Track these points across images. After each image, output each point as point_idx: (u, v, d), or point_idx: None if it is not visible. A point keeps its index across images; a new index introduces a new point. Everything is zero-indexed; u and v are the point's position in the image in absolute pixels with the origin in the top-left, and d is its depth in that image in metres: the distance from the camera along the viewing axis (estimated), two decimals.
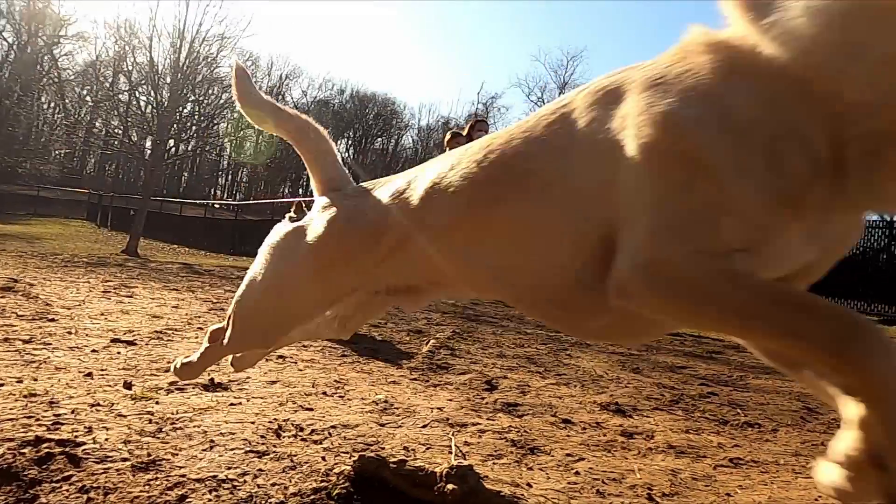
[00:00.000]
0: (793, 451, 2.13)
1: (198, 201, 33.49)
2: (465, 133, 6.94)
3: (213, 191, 58.47)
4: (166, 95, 18.64)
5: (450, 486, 1.38)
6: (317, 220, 1.44)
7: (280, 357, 2.97)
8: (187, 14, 20.81)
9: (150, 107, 19.55)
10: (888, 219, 11.43)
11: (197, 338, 3.26)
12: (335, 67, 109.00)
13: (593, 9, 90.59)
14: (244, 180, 60.16)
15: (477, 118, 7.41)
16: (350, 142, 61.08)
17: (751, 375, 3.73)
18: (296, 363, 2.87)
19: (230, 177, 60.24)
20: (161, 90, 18.81)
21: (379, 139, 61.63)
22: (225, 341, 1.52)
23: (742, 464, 1.93)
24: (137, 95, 23.31)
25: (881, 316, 10.45)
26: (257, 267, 1.47)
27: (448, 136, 7.02)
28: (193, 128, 21.72)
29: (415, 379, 2.80)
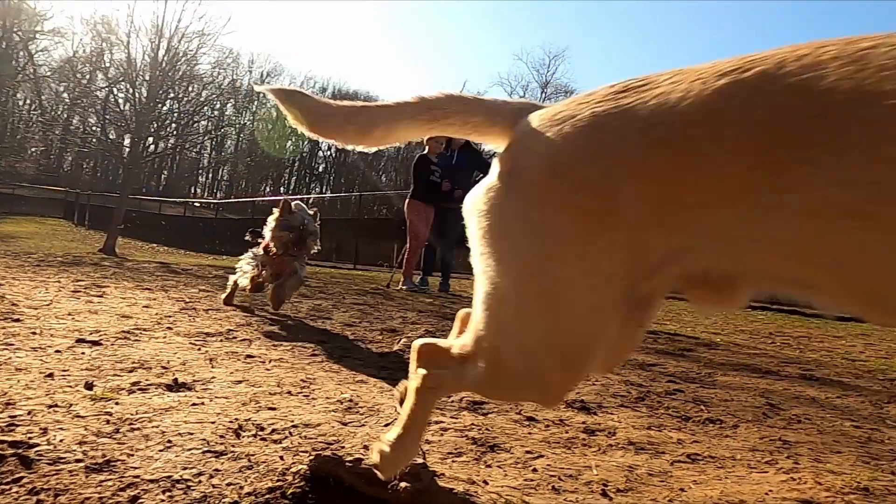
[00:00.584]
0: (751, 446, 2.17)
1: (178, 199, 33.15)
2: None
3: (193, 189, 57.88)
4: (144, 92, 18.47)
5: (403, 484, 1.39)
6: (545, 147, 0.92)
7: (249, 356, 2.96)
8: (165, 11, 20.57)
9: (128, 104, 19.37)
10: None
11: (165, 338, 3.23)
12: (316, 65, 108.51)
13: (576, 8, 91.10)
14: (225, 179, 59.71)
15: None
16: None
17: (719, 373, 3.79)
18: (263, 363, 2.87)
19: (210, 175, 59.69)
20: (139, 87, 18.65)
21: None
22: (476, 382, 1.11)
23: (699, 459, 1.96)
24: (115, 92, 23.05)
25: None
26: (492, 261, 0.99)
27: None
28: (172, 125, 21.57)
29: (383, 378, 2.80)
